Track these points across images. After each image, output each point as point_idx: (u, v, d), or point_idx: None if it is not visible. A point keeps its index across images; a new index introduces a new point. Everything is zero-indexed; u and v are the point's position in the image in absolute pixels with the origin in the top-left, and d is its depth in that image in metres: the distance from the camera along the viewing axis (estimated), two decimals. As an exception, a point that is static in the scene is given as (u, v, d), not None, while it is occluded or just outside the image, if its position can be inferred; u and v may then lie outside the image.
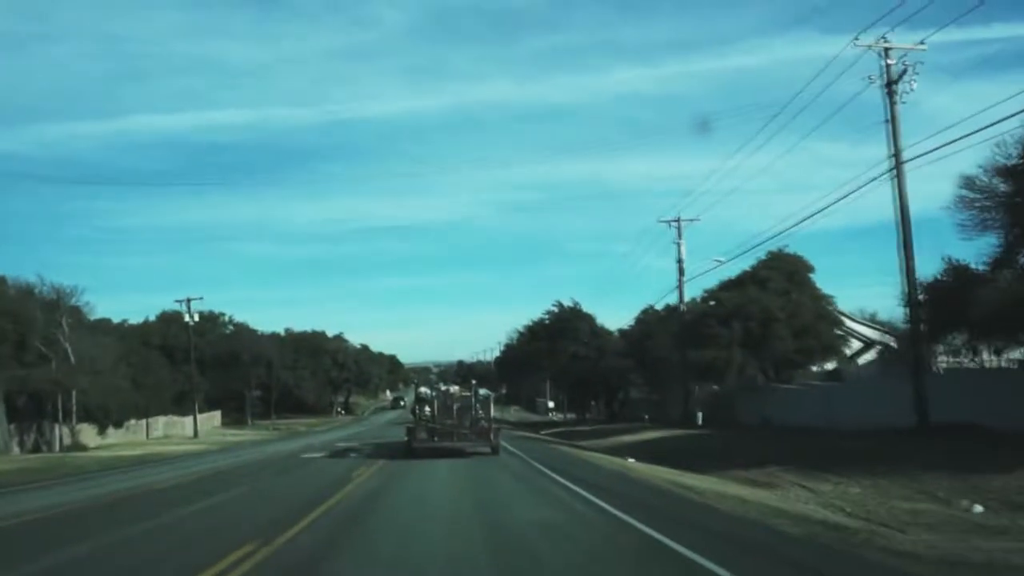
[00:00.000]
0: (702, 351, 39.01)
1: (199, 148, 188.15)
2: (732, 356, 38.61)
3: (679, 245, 48.77)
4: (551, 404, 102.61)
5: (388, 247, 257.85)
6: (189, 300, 63.14)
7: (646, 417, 56.79)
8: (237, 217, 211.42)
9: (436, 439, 25.36)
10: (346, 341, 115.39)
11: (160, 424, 64.39)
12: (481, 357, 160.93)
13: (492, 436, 25.60)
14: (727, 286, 43.06)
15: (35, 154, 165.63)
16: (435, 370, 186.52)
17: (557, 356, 61.10)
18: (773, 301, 38.57)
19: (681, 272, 48.70)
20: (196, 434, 61.42)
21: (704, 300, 43.89)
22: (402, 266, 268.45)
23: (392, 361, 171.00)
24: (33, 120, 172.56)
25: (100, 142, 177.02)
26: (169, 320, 77.55)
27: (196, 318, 64.35)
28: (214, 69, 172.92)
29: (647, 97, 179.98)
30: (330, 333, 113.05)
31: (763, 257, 42.32)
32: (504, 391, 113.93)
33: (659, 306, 58.29)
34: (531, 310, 78.45)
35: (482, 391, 27.18)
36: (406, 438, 26.82)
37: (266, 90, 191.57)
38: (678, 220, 48.77)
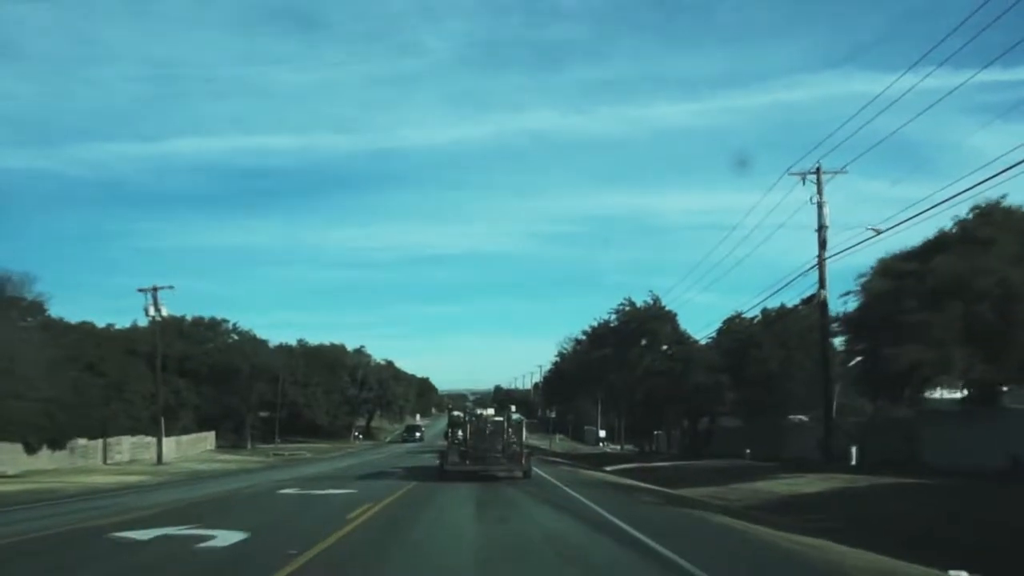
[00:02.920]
0: (898, 349, 23.83)
1: (241, 172, 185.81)
2: (950, 356, 23.50)
3: (820, 205, 34.02)
4: (602, 433, 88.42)
5: (426, 274, 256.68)
6: (156, 288, 48.67)
7: (747, 452, 42.30)
8: (275, 241, 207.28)
9: (468, 462, 25.83)
10: (368, 356, 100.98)
11: (126, 446, 51.28)
12: (519, 384, 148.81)
13: (524, 460, 26.34)
14: (908, 257, 28.09)
15: (78, 174, 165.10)
16: (471, 397, 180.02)
17: (628, 367, 46.05)
18: (1012, 272, 23.63)
19: (822, 245, 33.78)
20: (160, 460, 47.73)
21: (877, 275, 28.57)
22: (440, 293, 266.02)
23: (423, 383, 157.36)
24: (77, 141, 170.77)
25: (143, 164, 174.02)
26: (164, 325, 64.71)
27: (164, 312, 50.08)
28: (258, 94, 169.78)
29: (690, 131, 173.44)
30: (350, 347, 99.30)
31: (962, 217, 27.50)
32: (553, 415, 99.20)
33: (750, 313, 44.58)
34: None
35: (515, 415, 27.18)
36: (438, 461, 27.51)
37: (309, 116, 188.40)
38: (818, 171, 34.08)
